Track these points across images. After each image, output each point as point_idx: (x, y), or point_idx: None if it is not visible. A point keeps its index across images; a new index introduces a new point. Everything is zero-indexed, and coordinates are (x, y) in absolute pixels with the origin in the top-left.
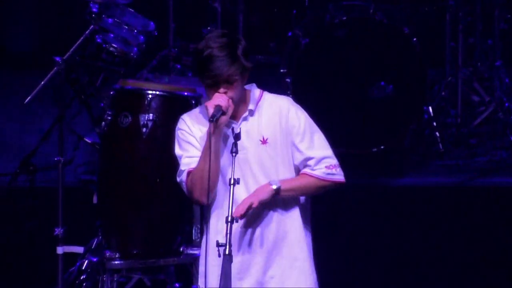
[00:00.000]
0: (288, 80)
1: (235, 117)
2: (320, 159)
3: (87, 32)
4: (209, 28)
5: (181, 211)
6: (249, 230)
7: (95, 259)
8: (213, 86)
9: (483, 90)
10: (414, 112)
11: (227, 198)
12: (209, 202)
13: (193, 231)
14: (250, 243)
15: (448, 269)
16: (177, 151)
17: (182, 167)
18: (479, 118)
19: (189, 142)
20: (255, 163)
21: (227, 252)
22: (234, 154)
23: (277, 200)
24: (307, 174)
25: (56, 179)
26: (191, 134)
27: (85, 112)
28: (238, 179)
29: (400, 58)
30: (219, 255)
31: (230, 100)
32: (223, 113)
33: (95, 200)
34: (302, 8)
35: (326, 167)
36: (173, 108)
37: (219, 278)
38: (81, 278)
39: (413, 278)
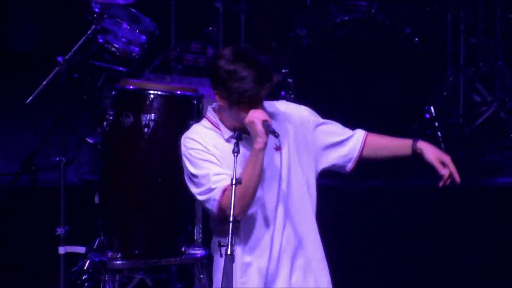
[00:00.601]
0: (290, 80)
1: (245, 129)
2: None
3: (89, 32)
4: (210, 28)
5: (183, 211)
6: (273, 237)
7: (97, 259)
8: (247, 104)
9: (485, 90)
10: (416, 112)
11: (265, 208)
12: (244, 218)
13: (195, 231)
14: (275, 250)
15: (448, 269)
16: (195, 171)
17: (211, 185)
18: (481, 118)
19: (208, 161)
20: (280, 168)
21: (228, 252)
22: (236, 154)
23: (297, 203)
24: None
25: (58, 179)
26: (208, 152)
27: (87, 112)
28: (240, 179)
29: (402, 58)
30: (221, 255)
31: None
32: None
33: (97, 200)
34: (304, 8)
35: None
36: (175, 108)
37: (222, 278)
38: (83, 278)
39: (413, 278)
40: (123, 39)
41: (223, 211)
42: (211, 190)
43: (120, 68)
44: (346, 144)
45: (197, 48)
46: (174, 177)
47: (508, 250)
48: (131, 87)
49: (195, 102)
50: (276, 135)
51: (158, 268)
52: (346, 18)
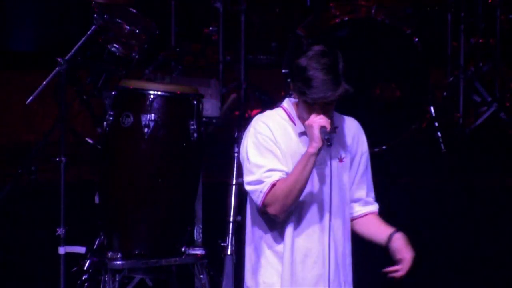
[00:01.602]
0: (289, 80)
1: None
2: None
3: (89, 33)
4: (210, 28)
5: (183, 211)
6: (325, 244)
7: (97, 259)
8: (312, 106)
9: (484, 90)
10: (416, 112)
11: (312, 210)
12: (283, 218)
13: (195, 231)
14: (324, 257)
15: (448, 269)
16: (255, 157)
17: (262, 177)
18: (481, 118)
19: (271, 151)
20: (334, 178)
21: (229, 252)
22: (236, 154)
23: (346, 218)
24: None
25: (58, 179)
26: (275, 144)
27: (87, 112)
28: (241, 180)
29: (402, 59)
30: (223, 255)
31: (329, 122)
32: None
33: (97, 200)
34: (304, 8)
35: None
36: (175, 108)
37: (222, 279)
38: (83, 278)
39: (413, 278)
40: (123, 40)
41: (265, 206)
42: (260, 182)
43: (120, 68)
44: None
45: (197, 48)
46: (174, 177)
47: (509, 250)
48: (131, 87)
49: (195, 102)
50: (329, 144)
51: (158, 268)
52: (347, 18)
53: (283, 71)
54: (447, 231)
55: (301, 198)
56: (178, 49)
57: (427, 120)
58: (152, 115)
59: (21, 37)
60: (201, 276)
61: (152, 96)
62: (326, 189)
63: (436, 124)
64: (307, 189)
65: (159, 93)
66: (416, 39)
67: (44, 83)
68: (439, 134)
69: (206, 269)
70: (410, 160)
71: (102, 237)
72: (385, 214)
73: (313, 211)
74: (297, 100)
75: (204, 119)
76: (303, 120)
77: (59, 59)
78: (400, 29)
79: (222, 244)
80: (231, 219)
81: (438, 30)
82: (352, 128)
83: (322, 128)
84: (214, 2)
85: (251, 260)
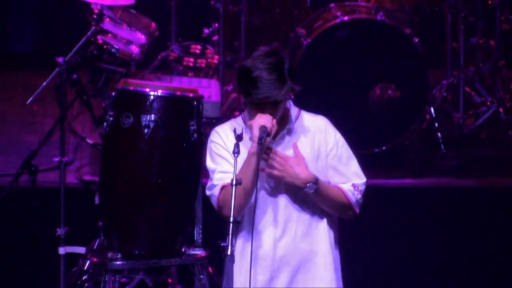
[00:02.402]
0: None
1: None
2: (353, 183)
3: (89, 33)
4: (210, 28)
5: (183, 211)
6: (279, 248)
7: (97, 260)
8: (258, 106)
9: (484, 90)
10: (416, 113)
11: (266, 214)
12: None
13: (195, 231)
14: (278, 260)
15: (448, 269)
16: (209, 164)
17: (214, 182)
18: (481, 118)
19: (222, 157)
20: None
21: (228, 253)
22: (236, 155)
23: (309, 221)
24: (337, 187)
25: (58, 179)
26: (225, 149)
27: (87, 113)
28: (240, 179)
29: (401, 59)
30: (223, 256)
31: (274, 121)
32: (268, 134)
33: (97, 200)
34: (304, 9)
35: (352, 185)
36: (175, 109)
37: (223, 279)
38: (83, 278)
39: (413, 278)
40: (123, 40)
41: (220, 209)
42: (213, 186)
43: (120, 69)
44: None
45: (197, 49)
46: (174, 177)
47: (509, 250)
48: (131, 87)
49: (195, 103)
50: (259, 143)
51: (158, 269)
52: (346, 18)
53: None
54: (447, 231)
55: (253, 200)
56: (178, 50)
57: (427, 120)
58: (152, 115)
59: (21, 37)
60: (201, 276)
61: (152, 97)
62: (278, 190)
63: (436, 124)
64: (260, 191)
65: (159, 93)
66: (416, 39)
67: (44, 83)
68: (439, 134)
69: (206, 269)
70: (410, 160)
71: (102, 237)
72: (385, 214)
73: (266, 213)
74: None
75: (204, 119)
76: None
77: (59, 59)
78: (400, 30)
79: (222, 244)
80: (231, 219)
81: (438, 30)
82: (314, 126)
83: (262, 128)
84: (214, 3)
85: None
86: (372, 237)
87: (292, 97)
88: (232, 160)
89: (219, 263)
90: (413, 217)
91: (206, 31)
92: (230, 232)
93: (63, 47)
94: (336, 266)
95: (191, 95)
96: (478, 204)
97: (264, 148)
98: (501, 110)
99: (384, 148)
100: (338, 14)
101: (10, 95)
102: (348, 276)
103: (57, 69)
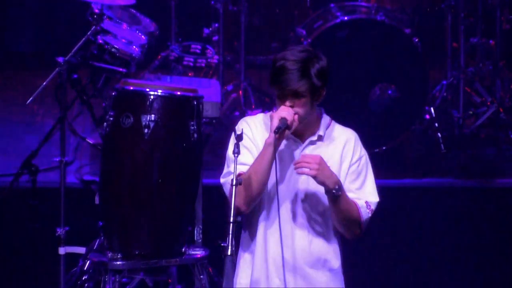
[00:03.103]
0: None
1: (302, 137)
2: (367, 201)
3: (89, 33)
4: (210, 28)
5: (183, 211)
6: (287, 255)
7: (97, 260)
8: (281, 98)
9: (485, 90)
10: (416, 113)
11: (275, 212)
12: (248, 212)
13: (195, 231)
14: (285, 268)
15: (449, 269)
16: (229, 151)
17: (231, 169)
18: (481, 119)
19: (247, 147)
20: (312, 185)
21: (229, 253)
22: (236, 155)
23: (320, 231)
24: (353, 201)
25: (58, 179)
26: (251, 140)
27: (87, 113)
28: (241, 179)
29: (401, 59)
30: (223, 256)
31: (296, 116)
32: (288, 127)
33: (97, 200)
34: (304, 9)
35: (366, 202)
36: (175, 109)
37: (223, 279)
38: (83, 278)
39: (413, 278)
40: (123, 40)
41: (230, 198)
42: (230, 174)
43: (120, 69)
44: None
45: (197, 49)
46: (174, 177)
47: (509, 250)
48: (131, 87)
49: (195, 103)
50: (275, 131)
51: (158, 269)
52: (346, 18)
53: None
54: (447, 231)
55: (272, 199)
56: (178, 50)
57: (427, 120)
58: (152, 115)
59: (21, 37)
60: (201, 276)
61: (152, 97)
62: (294, 193)
63: (436, 124)
64: (281, 191)
65: (159, 93)
66: (416, 39)
67: (44, 83)
68: (439, 134)
69: (206, 269)
70: (410, 160)
71: (102, 237)
72: (385, 214)
73: (278, 214)
74: None
75: (204, 119)
76: None
77: (59, 59)
78: (400, 30)
79: (222, 244)
80: (231, 219)
81: (438, 30)
82: (344, 137)
83: (282, 119)
84: (214, 3)
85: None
86: (372, 237)
87: (320, 99)
88: (255, 153)
89: (219, 263)
90: (413, 217)
91: (206, 31)
92: (230, 233)
93: (63, 47)
94: (341, 277)
95: (191, 95)
96: (478, 204)
97: (282, 139)
98: (501, 110)
99: (384, 148)
100: (338, 14)
101: (10, 95)
102: (348, 276)
103: (57, 69)
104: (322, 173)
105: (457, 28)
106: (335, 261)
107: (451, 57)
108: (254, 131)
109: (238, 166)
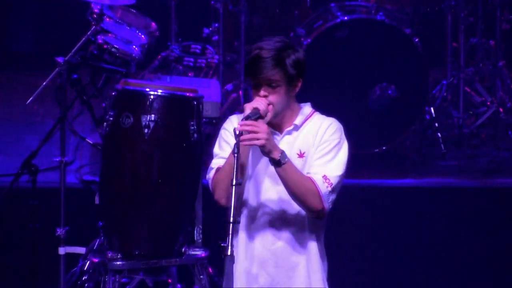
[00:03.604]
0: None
1: (279, 128)
2: (324, 174)
3: (89, 33)
4: (210, 28)
5: (183, 211)
6: (263, 253)
7: (97, 260)
8: (256, 88)
9: (485, 90)
10: (416, 113)
11: (257, 203)
12: (227, 204)
13: (195, 231)
14: (260, 264)
15: (449, 269)
16: (215, 149)
17: (212, 165)
18: (481, 119)
19: (228, 143)
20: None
21: (228, 253)
22: (235, 155)
23: (295, 225)
24: (307, 175)
25: (58, 179)
26: (233, 137)
27: (87, 113)
28: (241, 179)
29: (402, 59)
30: (223, 256)
31: (271, 106)
32: (260, 117)
33: (97, 200)
34: (304, 9)
35: (323, 176)
36: (175, 109)
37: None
38: (83, 278)
39: (413, 278)
40: (123, 40)
41: (213, 191)
42: (210, 169)
43: (120, 69)
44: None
45: (197, 49)
46: (174, 177)
47: (509, 250)
48: (131, 87)
49: (195, 103)
50: (245, 119)
51: (158, 269)
52: (346, 18)
53: None
54: (447, 231)
55: (250, 195)
56: (178, 50)
57: (427, 120)
58: (152, 115)
59: (21, 37)
60: (201, 276)
61: (152, 97)
62: (272, 186)
63: (436, 124)
64: (256, 185)
65: (159, 93)
66: (416, 39)
67: (44, 83)
68: (439, 134)
69: (206, 269)
70: (410, 160)
71: (102, 237)
72: (385, 214)
73: (258, 210)
74: None
75: (204, 119)
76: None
77: (59, 59)
78: (400, 30)
79: (222, 244)
80: (231, 219)
81: (438, 30)
82: (321, 125)
83: (254, 109)
84: (214, 2)
85: None
86: (372, 237)
87: (296, 90)
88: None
89: (219, 263)
90: (413, 217)
91: (206, 31)
92: (230, 233)
93: (63, 47)
94: (323, 275)
95: (191, 95)
96: (478, 204)
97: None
98: (501, 110)
99: (384, 148)
100: (338, 14)
101: (10, 95)
102: (348, 276)
103: (57, 69)
104: (269, 143)
105: (457, 28)
106: (315, 258)
107: (451, 57)
108: (236, 125)
109: (219, 161)
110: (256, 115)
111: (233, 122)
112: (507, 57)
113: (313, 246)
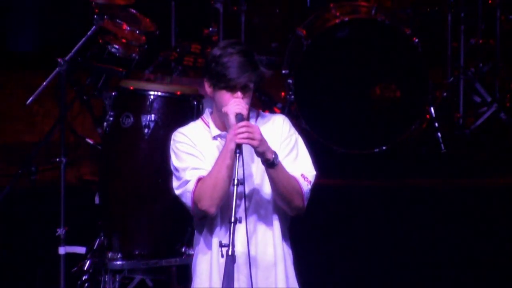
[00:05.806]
0: (290, 81)
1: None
2: (302, 173)
3: (89, 33)
4: (210, 28)
5: (183, 211)
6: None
7: (97, 260)
8: (232, 90)
9: (485, 90)
10: (416, 113)
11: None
12: (215, 214)
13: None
14: (237, 268)
15: (448, 269)
16: (176, 164)
17: (187, 178)
18: (481, 119)
19: (191, 154)
20: (257, 176)
21: (230, 253)
22: (237, 155)
23: (267, 225)
24: (292, 175)
25: (58, 179)
26: (193, 147)
27: (87, 113)
28: (242, 179)
29: (402, 59)
30: (222, 256)
31: (247, 106)
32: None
33: (97, 200)
34: (304, 9)
35: (301, 174)
36: (175, 109)
37: (222, 278)
38: (83, 278)
39: (413, 278)
40: (123, 40)
41: (196, 204)
42: (186, 182)
43: (120, 69)
44: None
45: (197, 49)
46: None
47: (509, 250)
48: (131, 87)
49: (195, 102)
50: (237, 123)
51: (158, 269)
52: (347, 19)
53: (283, 71)
54: (447, 232)
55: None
56: (178, 50)
57: (427, 120)
58: (152, 115)
59: (21, 37)
60: None
61: (152, 97)
62: (247, 187)
63: (436, 124)
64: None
65: (159, 93)
66: (416, 40)
67: (44, 83)
68: (439, 134)
69: None
70: (410, 160)
71: (102, 237)
72: (385, 214)
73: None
74: (213, 106)
75: None
76: (218, 124)
77: (59, 60)
78: (400, 30)
79: (223, 244)
80: (233, 219)
81: (438, 30)
82: (274, 123)
83: (238, 115)
84: (214, 3)
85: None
86: (372, 236)
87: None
88: (202, 158)
89: None
90: (413, 217)
91: (206, 31)
92: (232, 232)
93: (63, 47)
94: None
95: (191, 95)
96: (478, 204)
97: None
98: (501, 110)
99: (384, 148)
100: (338, 14)
101: (10, 95)
102: (348, 276)
103: (57, 69)
104: (263, 144)
105: (457, 28)
106: (288, 257)
107: (451, 57)
108: (192, 138)
109: (192, 172)
110: (241, 120)
111: (186, 134)
112: (507, 57)
113: (285, 244)
